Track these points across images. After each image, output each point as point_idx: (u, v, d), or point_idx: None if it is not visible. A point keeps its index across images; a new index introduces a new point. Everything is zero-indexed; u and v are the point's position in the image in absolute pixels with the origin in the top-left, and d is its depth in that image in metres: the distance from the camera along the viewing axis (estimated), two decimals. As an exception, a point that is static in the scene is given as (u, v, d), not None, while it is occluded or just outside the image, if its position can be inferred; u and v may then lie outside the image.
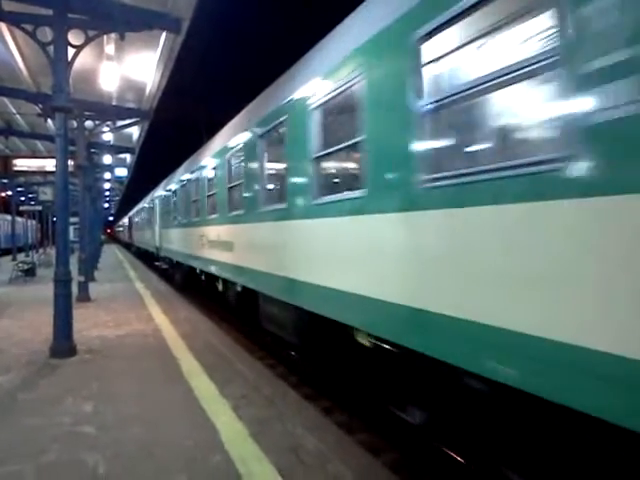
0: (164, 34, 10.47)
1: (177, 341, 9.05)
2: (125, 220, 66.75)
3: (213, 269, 11.97)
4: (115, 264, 32.93)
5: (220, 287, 12.23)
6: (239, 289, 10.05)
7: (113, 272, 25.66)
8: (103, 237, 65.66)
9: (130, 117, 17.10)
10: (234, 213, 9.83)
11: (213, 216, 11.77)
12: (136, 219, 41.76)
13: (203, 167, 13.21)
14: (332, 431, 5.22)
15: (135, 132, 20.74)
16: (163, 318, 11.52)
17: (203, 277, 14.00)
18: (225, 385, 6.45)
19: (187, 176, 15.78)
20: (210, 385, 6.47)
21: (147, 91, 14.61)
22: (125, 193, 55.75)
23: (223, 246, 10.70)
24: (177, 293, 17.57)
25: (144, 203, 33.42)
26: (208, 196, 12.39)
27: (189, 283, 17.79)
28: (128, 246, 59.06)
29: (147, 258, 33.78)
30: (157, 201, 24.26)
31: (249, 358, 8.29)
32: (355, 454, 4.71)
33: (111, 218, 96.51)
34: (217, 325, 11.63)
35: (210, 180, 12.36)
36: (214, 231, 11.58)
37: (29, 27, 8.30)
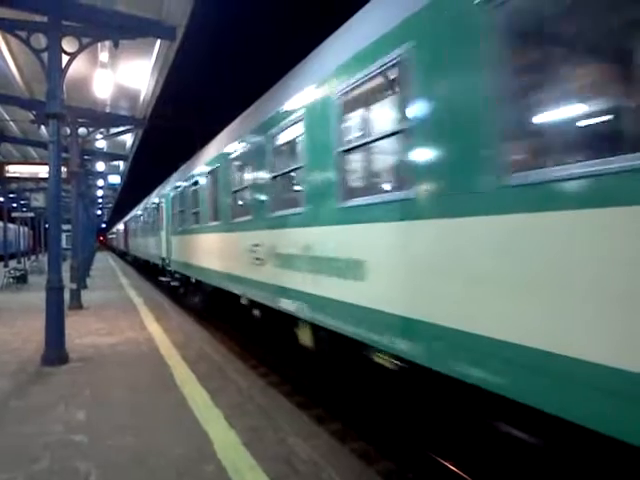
0: (158, 41, 10.50)
1: (170, 349, 9.01)
2: (119, 226, 61.82)
3: (294, 307, 6.73)
4: (108, 272, 32.78)
5: (308, 340, 6.88)
6: (396, 368, 4.98)
7: (106, 280, 25.56)
8: (95, 244, 65.11)
9: (124, 124, 17.13)
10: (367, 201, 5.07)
11: (279, 214, 7.22)
12: (133, 224, 36.27)
13: (262, 131, 7.91)
14: (325, 440, 5.21)
15: (129, 139, 20.73)
16: (156, 326, 11.46)
17: (257, 312, 8.78)
18: (218, 394, 6.41)
19: (226, 153, 10.05)
20: (203, 394, 6.43)
21: (141, 98, 14.62)
22: (118, 200, 55.62)
23: (323, 266, 5.84)
24: (170, 301, 17.49)
25: (145, 205, 27.70)
26: (275, 177, 7.43)
27: (216, 313, 13.20)
28: (123, 255, 54.97)
29: (147, 270, 28.76)
30: (164, 201, 18.96)
31: (242, 367, 8.27)
32: (348, 463, 4.71)
33: (104, 225, 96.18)
34: (210, 333, 11.59)
35: (281, 150, 7.54)
36: (285, 237, 6.99)
37: (23, 34, 8.31)
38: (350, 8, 5.94)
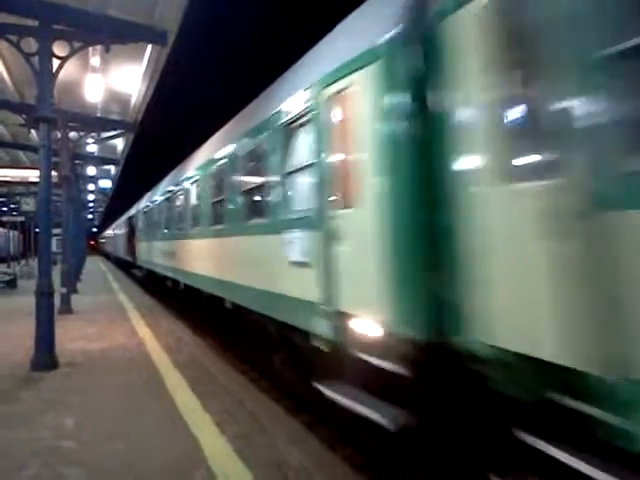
0: (150, 46, 10.49)
1: (161, 354, 8.97)
2: (116, 228, 44.63)
3: None
4: (99, 276, 32.62)
5: None
6: None
7: (96, 284, 25.41)
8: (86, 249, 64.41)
9: (115, 129, 17.07)
10: None
11: None
12: (153, 215, 19.30)
13: None
14: (315, 446, 5.20)
15: (120, 143, 20.66)
16: (147, 331, 11.41)
17: None
18: (209, 399, 6.39)
19: None
20: (193, 399, 6.41)
21: (132, 103, 14.59)
22: (109, 204, 55.42)
23: None
24: (161, 306, 17.41)
25: (189, 173, 12.58)
26: None
27: None
28: (124, 265, 35.72)
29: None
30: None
31: (233, 372, 8.24)
32: (338, 470, 4.70)
33: (95, 229, 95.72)
34: (201, 338, 11.54)
35: None
36: None
37: (14, 38, 8.27)
38: (343, 12, 5.84)
